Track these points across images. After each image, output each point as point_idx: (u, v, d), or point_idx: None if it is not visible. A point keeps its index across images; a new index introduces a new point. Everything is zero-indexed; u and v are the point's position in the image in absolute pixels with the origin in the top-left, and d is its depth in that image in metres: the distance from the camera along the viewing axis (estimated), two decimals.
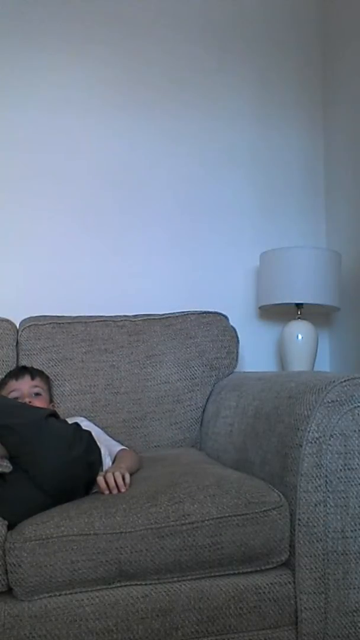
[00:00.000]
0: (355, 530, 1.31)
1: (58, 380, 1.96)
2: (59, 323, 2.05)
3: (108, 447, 1.67)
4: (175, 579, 1.28)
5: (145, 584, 1.27)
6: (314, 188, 2.59)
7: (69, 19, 2.37)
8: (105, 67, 2.40)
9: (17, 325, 2.07)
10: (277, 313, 2.47)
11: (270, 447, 1.46)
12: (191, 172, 2.46)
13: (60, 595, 1.24)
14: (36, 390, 1.81)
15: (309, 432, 1.32)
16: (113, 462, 1.60)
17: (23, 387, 1.80)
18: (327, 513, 1.31)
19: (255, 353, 2.45)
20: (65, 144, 2.35)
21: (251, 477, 1.44)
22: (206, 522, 1.27)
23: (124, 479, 1.39)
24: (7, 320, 2.04)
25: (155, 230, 2.42)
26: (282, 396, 1.49)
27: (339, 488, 1.31)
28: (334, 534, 1.31)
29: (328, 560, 1.31)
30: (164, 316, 2.13)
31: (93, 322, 2.07)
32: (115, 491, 1.36)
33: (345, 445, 1.31)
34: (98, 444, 1.48)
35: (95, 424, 1.83)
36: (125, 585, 1.27)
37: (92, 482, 1.40)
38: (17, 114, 2.32)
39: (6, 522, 1.28)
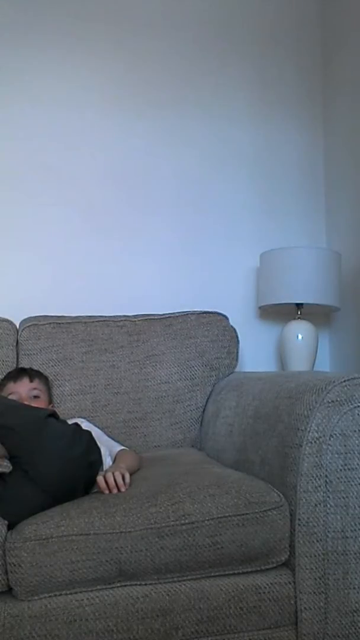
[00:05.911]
0: (355, 530, 1.31)
1: (58, 380, 1.96)
2: (59, 323, 2.05)
3: (108, 447, 1.67)
4: (175, 579, 1.28)
5: (145, 584, 1.27)
6: (314, 188, 2.59)
7: (71, 18, 2.37)
8: (106, 66, 2.39)
9: (17, 325, 2.07)
10: (277, 313, 2.47)
11: (270, 447, 1.46)
12: (191, 172, 2.46)
13: (60, 595, 1.24)
14: (35, 392, 1.81)
15: (309, 432, 1.32)
16: (113, 462, 1.60)
17: (21, 390, 1.79)
18: (327, 513, 1.31)
19: (255, 353, 2.45)
20: (66, 143, 2.35)
21: (251, 477, 1.44)
22: (206, 522, 1.27)
23: (123, 478, 1.39)
24: (7, 320, 2.04)
25: (155, 230, 2.42)
26: (282, 396, 1.49)
27: (339, 488, 1.31)
28: (334, 534, 1.31)
29: (328, 560, 1.31)
30: (164, 316, 2.13)
31: (93, 322, 2.07)
32: (115, 491, 1.37)
33: (345, 445, 1.31)
34: (98, 444, 1.48)
35: (95, 425, 1.83)
36: (125, 585, 1.27)
37: (92, 482, 1.40)
38: (18, 112, 2.31)
39: (6, 522, 1.28)
